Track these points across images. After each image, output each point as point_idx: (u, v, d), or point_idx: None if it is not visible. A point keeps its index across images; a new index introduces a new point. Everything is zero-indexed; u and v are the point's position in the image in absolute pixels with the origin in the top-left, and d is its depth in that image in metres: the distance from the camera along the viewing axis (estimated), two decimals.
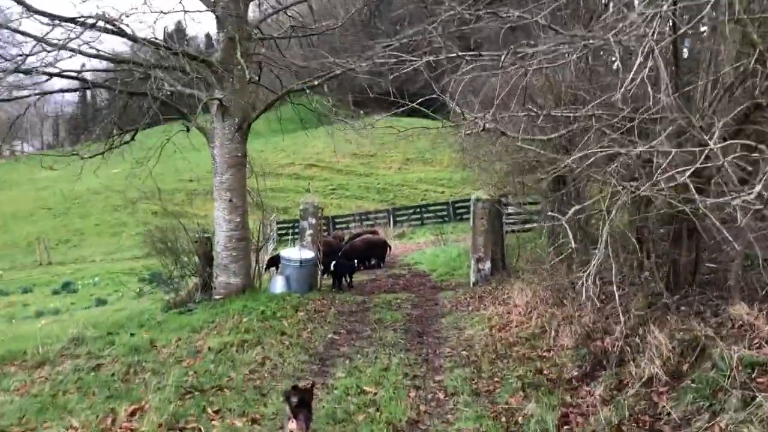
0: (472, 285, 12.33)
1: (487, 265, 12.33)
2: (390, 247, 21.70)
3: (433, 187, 41.53)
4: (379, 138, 52.10)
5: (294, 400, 4.46)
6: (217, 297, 10.81)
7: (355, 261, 18.89)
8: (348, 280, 14.48)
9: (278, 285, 11.54)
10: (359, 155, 48.62)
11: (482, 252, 12.29)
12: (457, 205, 35.28)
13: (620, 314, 5.41)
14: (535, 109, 6.15)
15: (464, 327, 8.92)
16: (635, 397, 4.94)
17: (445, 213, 35.17)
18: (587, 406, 5.04)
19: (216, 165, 10.86)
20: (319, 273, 12.87)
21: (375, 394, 5.83)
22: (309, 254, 12.05)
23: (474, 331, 8.50)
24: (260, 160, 51.61)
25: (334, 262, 14.40)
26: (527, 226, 17.51)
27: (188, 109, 11.71)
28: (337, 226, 35.15)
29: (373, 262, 20.38)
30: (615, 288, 5.02)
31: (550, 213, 9.36)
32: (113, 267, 31.08)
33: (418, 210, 35.74)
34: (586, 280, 4.83)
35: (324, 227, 34.97)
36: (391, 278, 15.88)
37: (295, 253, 11.90)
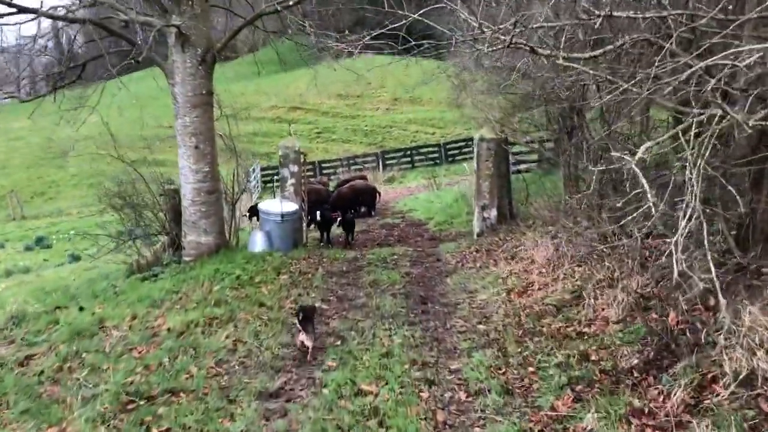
0: (476, 236, 10.97)
1: (493, 212, 10.93)
2: (380, 194, 20.26)
3: (423, 128, 39.74)
4: (365, 77, 49.95)
5: (301, 316, 5.62)
6: (187, 259, 9.38)
7: (350, 211, 17.47)
8: (351, 236, 12.67)
9: (258, 242, 10.10)
10: (345, 96, 46.48)
11: (487, 198, 10.88)
12: (449, 146, 33.72)
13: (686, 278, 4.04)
14: (584, 15, 4.56)
15: (475, 290, 7.58)
16: (733, 402, 3.62)
17: (436, 155, 33.58)
18: (665, 416, 3.72)
19: (177, 105, 9.22)
20: (305, 226, 11.41)
21: (376, 395, 4.48)
22: (292, 206, 10.57)
23: (488, 296, 7.16)
24: (242, 102, 49.40)
25: (319, 212, 12.91)
26: (523, 167, 16.09)
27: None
28: (324, 172, 33.56)
29: (362, 210, 18.97)
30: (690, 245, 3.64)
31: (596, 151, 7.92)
32: (89, 221, 29.49)
33: (409, 153, 34.09)
34: (674, 247, 3.42)
35: (310, 173, 33.51)
36: (384, 228, 14.48)
37: (276, 205, 10.41)
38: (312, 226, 12.91)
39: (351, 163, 32.79)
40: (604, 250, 6.61)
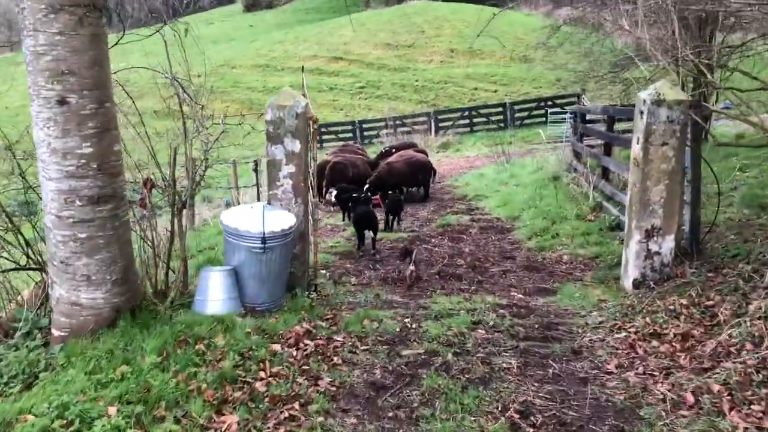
0: (630, 284, 5.81)
1: (668, 245, 5.73)
2: (435, 171, 15.14)
3: (483, 85, 33.92)
4: (417, 25, 43.94)
5: (408, 252, 7.10)
6: (56, 334, 4.55)
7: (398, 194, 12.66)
8: (397, 221, 10.39)
9: (213, 293, 5.20)
10: (394, 45, 40.82)
11: (660, 217, 5.66)
12: (517, 107, 28.04)
13: None
14: None
15: None
16: None
17: (501, 118, 27.98)
18: None
19: (24, 15, 4.19)
20: (310, 245, 6.44)
21: None
22: (284, 219, 5.59)
23: None
24: (280, 51, 44.24)
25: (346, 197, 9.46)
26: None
27: None
28: (365, 134, 28.43)
29: (416, 191, 13.97)
30: None
31: None
32: None
33: (467, 113, 28.60)
34: None
35: (348, 137, 28.24)
36: (446, 236, 9.39)
37: (251, 217, 5.43)
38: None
39: (398, 124, 27.55)
40: None
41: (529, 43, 35.00)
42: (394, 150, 16.01)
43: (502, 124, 27.62)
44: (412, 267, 6.90)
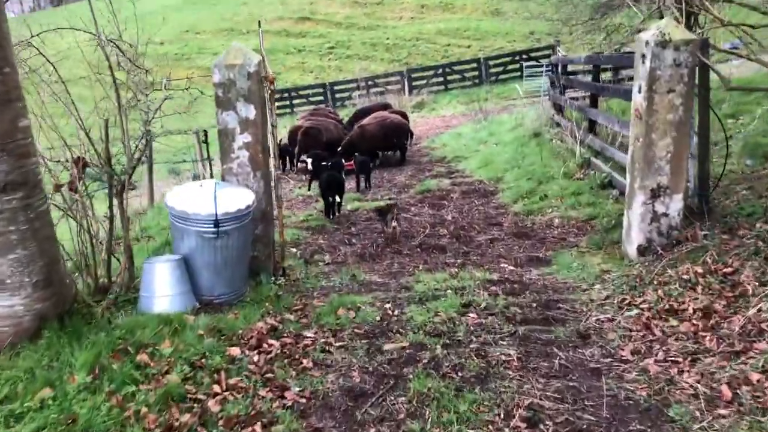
0: (636, 252, 5.20)
1: (676, 204, 5.11)
2: (412, 133, 14.39)
3: (456, 41, 32.89)
4: None
5: (388, 210, 6.91)
6: None
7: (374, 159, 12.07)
8: (366, 182, 10.45)
9: (160, 286, 4.46)
10: (362, 3, 39.36)
11: (667, 174, 5.02)
12: (491, 63, 27.20)
13: None
14: None
15: None
16: None
17: (476, 74, 27.13)
18: None
19: None
20: (275, 227, 5.70)
21: None
22: (241, 197, 4.83)
23: None
24: (244, 14, 42.47)
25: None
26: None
27: None
28: (337, 96, 27.45)
29: (392, 155, 13.25)
30: None
31: None
32: None
33: (441, 71, 27.65)
34: None
35: (319, 100, 27.13)
36: (426, 202, 8.72)
37: (202, 197, 4.66)
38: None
39: (370, 85, 26.56)
40: None
41: None
42: (366, 112, 15.20)
43: (477, 81, 26.78)
44: (394, 223, 6.83)
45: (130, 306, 4.56)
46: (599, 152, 8.59)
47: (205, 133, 5.28)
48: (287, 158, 13.30)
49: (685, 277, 4.49)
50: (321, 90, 27.98)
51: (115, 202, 4.88)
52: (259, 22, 5.72)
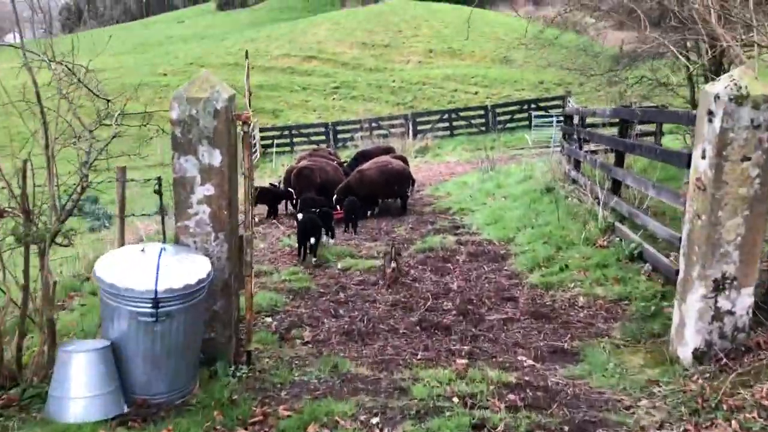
0: (691, 358, 4.10)
1: (744, 299, 4.05)
2: (414, 180, 13.43)
3: (463, 87, 32.31)
4: (394, 24, 42.22)
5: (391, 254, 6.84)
6: None
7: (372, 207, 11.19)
8: (353, 227, 9.94)
9: (77, 384, 3.36)
10: (370, 45, 39.08)
11: (735, 262, 3.98)
12: (499, 111, 26.52)
13: None
14: None
15: None
16: None
17: (483, 121, 26.43)
18: None
19: None
20: (234, 316, 4.62)
21: None
22: (193, 267, 3.75)
23: None
24: (251, 50, 42.40)
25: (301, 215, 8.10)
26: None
27: None
28: (339, 137, 26.70)
29: (392, 202, 12.31)
30: None
31: None
32: None
33: (446, 116, 26.96)
34: None
35: (321, 140, 26.35)
36: (428, 262, 7.64)
37: (140, 267, 3.59)
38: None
39: (374, 126, 25.80)
40: None
41: (510, 43, 33.67)
42: (366, 156, 14.31)
43: (483, 128, 26.05)
44: (394, 264, 6.77)
45: (38, 405, 3.46)
46: (625, 217, 7.58)
47: (159, 180, 4.23)
48: (286, 201, 12.46)
49: (765, 403, 3.41)
50: (323, 129, 27.25)
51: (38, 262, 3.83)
52: (247, 51, 4.80)
